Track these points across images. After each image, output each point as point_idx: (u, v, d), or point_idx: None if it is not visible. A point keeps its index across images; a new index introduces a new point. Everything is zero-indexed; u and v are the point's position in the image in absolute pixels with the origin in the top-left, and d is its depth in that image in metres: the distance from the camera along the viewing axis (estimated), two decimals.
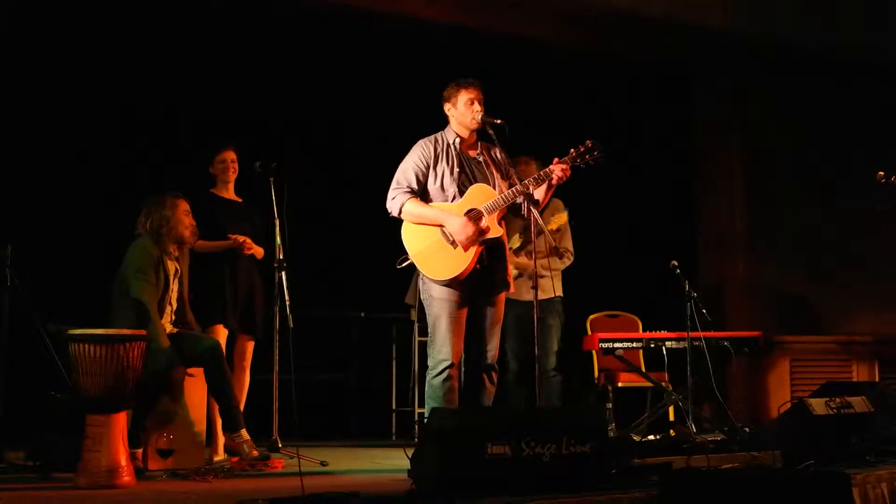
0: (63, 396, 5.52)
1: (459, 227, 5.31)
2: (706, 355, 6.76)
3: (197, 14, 7.63)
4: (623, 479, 4.61)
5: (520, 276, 6.86)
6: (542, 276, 6.34)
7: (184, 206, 6.00)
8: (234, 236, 6.42)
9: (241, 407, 6.37)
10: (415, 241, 5.41)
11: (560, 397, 7.01)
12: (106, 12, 7.35)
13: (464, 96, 5.49)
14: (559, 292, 7.01)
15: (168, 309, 5.95)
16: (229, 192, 6.67)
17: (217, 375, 5.90)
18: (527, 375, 6.91)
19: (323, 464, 5.95)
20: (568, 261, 7.14)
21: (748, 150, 9.52)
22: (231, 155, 6.62)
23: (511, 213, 5.61)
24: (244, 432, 5.90)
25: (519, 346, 6.96)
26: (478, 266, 5.33)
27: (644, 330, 7.98)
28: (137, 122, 7.80)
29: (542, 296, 6.68)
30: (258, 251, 6.53)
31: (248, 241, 6.45)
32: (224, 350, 6.31)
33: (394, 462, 5.99)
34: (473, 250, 5.31)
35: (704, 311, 6.86)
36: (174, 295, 5.98)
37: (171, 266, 5.97)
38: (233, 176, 6.62)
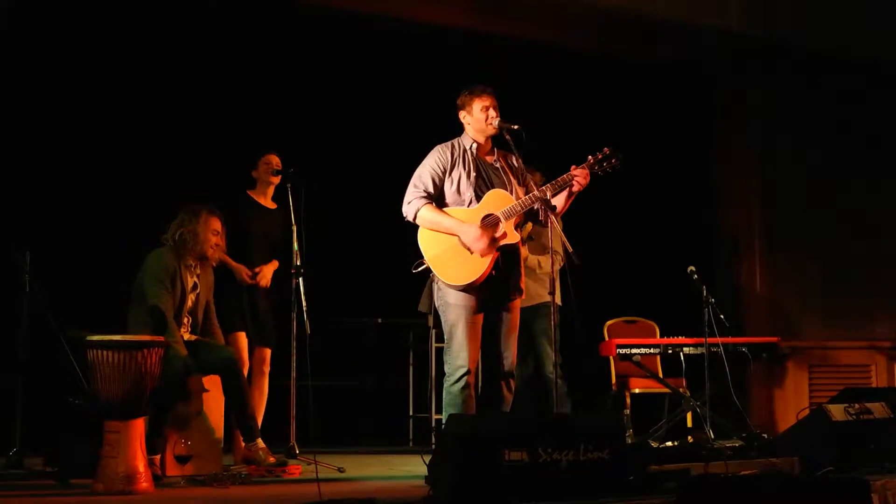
0: (81, 402, 5.54)
1: (473, 239, 5.30)
2: (724, 361, 6.74)
3: (213, 15, 7.64)
4: (641, 486, 4.61)
5: None
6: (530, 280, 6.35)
7: (215, 224, 6.00)
8: (246, 275, 6.47)
9: (262, 414, 6.40)
10: (431, 245, 5.40)
11: (568, 405, 6.96)
12: (118, 13, 7.36)
13: (478, 104, 5.48)
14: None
15: (185, 320, 5.96)
16: (266, 198, 6.70)
17: (234, 386, 5.91)
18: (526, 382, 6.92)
19: (340, 470, 5.95)
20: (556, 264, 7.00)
21: (764, 155, 9.47)
22: (276, 158, 6.66)
23: (529, 220, 5.60)
24: (260, 441, 5.91)
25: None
26: (493, 272, 5.32)
27: (661, 336, 7.95)
28: (158, 127, 7.81)
29: (530, 302, 6.67)
30: (266, 281, 6.56)
31: (260, 273, 6.51)
32: (246, 358, 6.36)
33: (411, 468, 5.98)
34: (490, 256, 5.30)
35: (722, 316, 6.83)
36: (189, 306, 5.99)
37: (190, 279, 5.97)
38: (276, 179, 6.63)
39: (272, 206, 6.70)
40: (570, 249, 6.48)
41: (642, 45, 9.04)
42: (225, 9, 7.55)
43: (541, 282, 6.91)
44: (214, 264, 6.11)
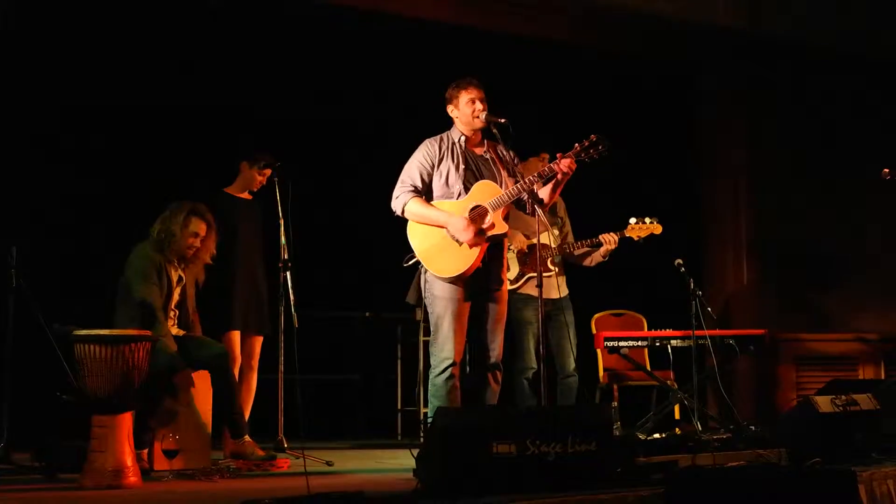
0: (69, 397, 5.52)
1: (461, 229, 5.32)
2: (711, 354, 6.75)
3: (202, 11, 7.62)
4: (629, 478, 4.61)
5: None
6: (548, 274, 6.35)
7: (196, 226, 5.94)
8: None
9: (249, 407, 6.40)
10: (421, 239, 5.42)
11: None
12: (109, 10, 7.34)
13: (464, 96, 5.49)
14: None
15: (172, 314, 5.95)
16: (244, 192, 6.72)
17: (223, 383, 5.91)
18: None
19: (328, 463, 5.95)
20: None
21: (752, 150, 9.51)
22: (269, 171, 6.64)
23: (518, 210, 5.62)
24: (247, 437, 5.91)
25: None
26: (481, 264, 5.34)
27: (649, 328, 7.97)
28: (143, 122, 7.78)
29: (554, 294, 6.69)
30: None
31: None
32: (238, 355, 6.36)
33: (399, 462, 5.99)
34: (479, 247, 5.31)
35: (709, 309, 6.84)
36: (175, 301, 5.98)
37: (175, 274, 5.96)
38: (259, 184, 6.69)
39: (249, 197, 6.74)
40: (559, 241, 6.52)
41: (641, 43, 9.05)
42: (223, 10, 7.58)
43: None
44: (199, 265, 6.09)
